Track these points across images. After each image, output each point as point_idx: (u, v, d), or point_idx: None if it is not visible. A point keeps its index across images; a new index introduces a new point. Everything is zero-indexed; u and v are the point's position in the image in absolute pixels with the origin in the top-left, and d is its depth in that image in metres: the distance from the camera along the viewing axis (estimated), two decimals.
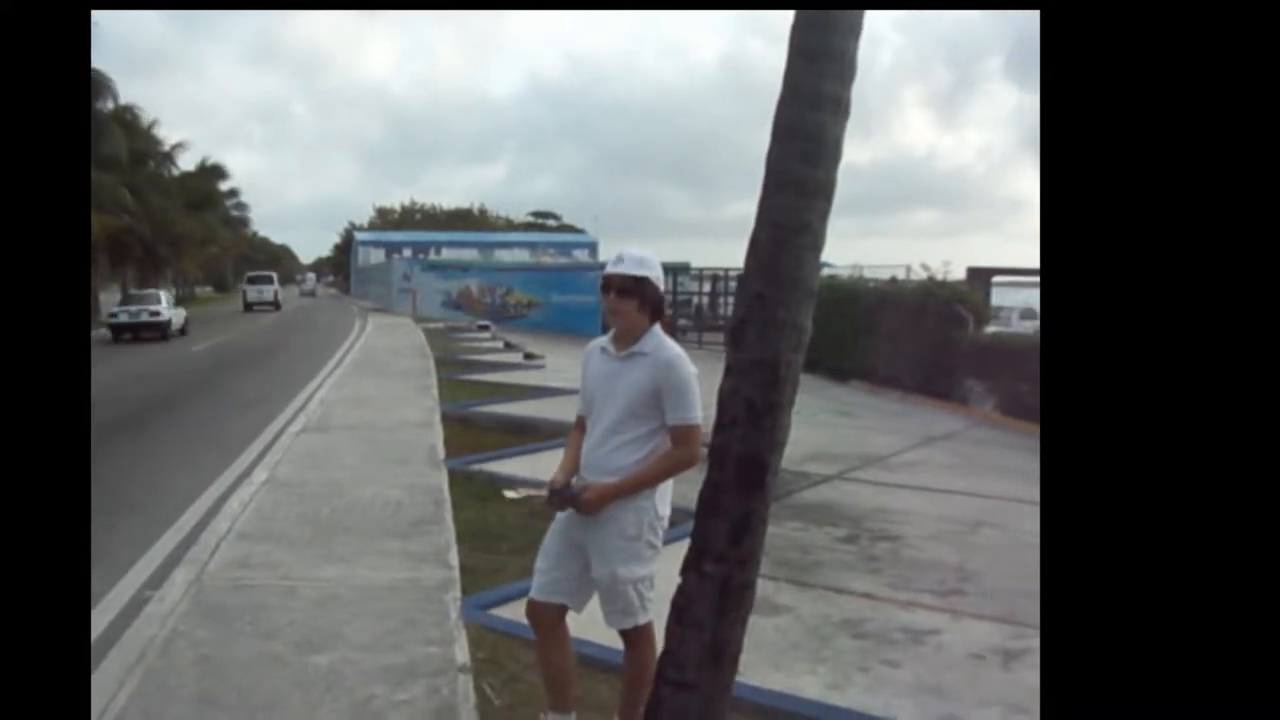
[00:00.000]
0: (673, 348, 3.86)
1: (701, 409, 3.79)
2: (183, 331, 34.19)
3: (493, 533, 7.42)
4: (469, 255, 59.96)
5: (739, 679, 3.70)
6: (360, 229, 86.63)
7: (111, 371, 20.80)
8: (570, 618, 4.02)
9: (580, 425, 4.06)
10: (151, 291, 36.66)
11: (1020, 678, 5.13)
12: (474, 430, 12.16)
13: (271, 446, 11.14)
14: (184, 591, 5.91)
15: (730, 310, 33.11)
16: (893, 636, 5.68)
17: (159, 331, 32.09)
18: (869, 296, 19.59)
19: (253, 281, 61.75)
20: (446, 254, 61.72)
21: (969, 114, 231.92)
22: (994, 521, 8.60)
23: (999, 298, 20.83)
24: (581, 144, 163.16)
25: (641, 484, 3.78)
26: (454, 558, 6.58)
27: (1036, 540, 8.09)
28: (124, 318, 32.13)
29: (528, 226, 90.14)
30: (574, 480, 3.90)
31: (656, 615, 3.81)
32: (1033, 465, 11.51)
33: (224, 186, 72.88)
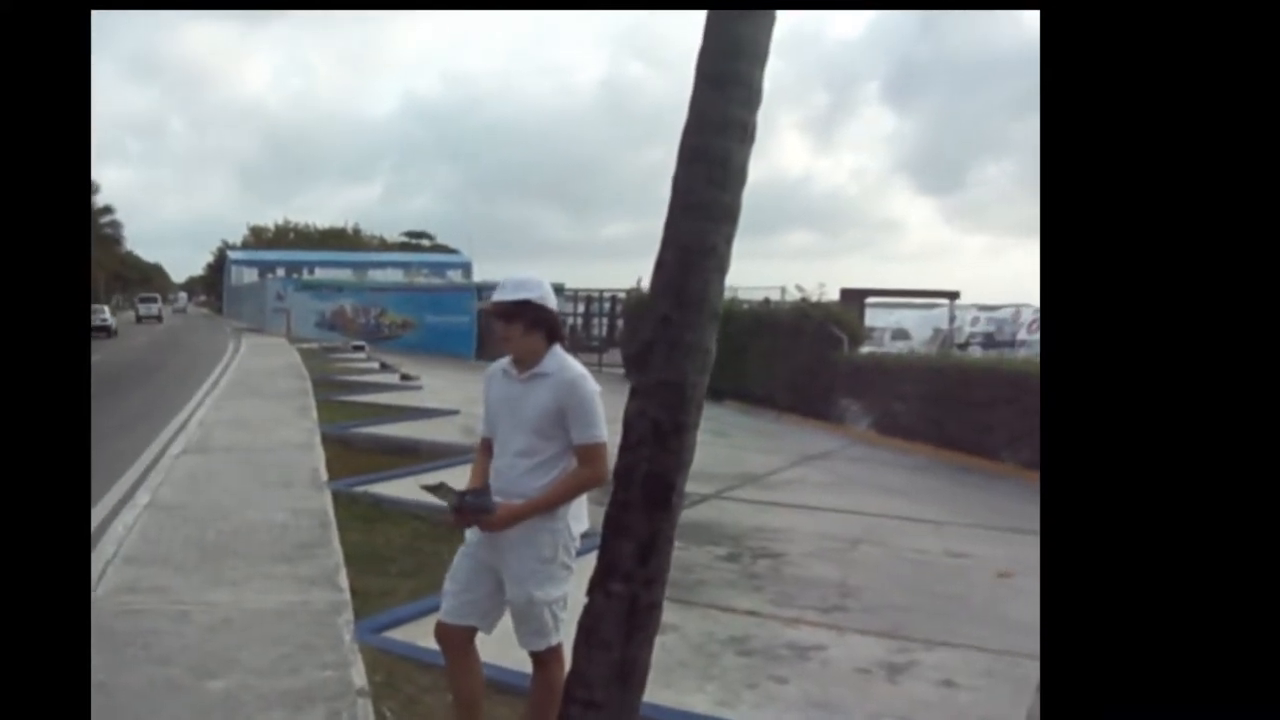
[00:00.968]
0: (575, 367, 3.86)
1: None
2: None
3: (380, 555, 7.32)
4: (343, 275, 59.39)
5: None
6: (234, 248, 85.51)
7: None
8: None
9: (486, 446, 4.04)
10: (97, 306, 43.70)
11: (906, 690, 5.27)
12: (354, 452, 12.02)
13: (153, 468, 10.80)
14: None
15: (604, 330, 33.39)
16: (778, 653, 5.76)
17: (106, 333, 41.28)
18: (744, 317, 19.79)
19: (143, 300, 78.31)
20: (320, 274, 61.04)
21: (845, 137, 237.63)
22: (873, 538, 8.81)
23: (872, 318, 21.37)
24: (458, 163, 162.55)
25: (550, 504, 3.76)
26: (343, 580, 6.49)
27: (915, 556, 8.31)
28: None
29: (401, 246, 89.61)
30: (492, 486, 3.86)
31: (565, 634, 3.80)
32: (908, 482, 11.95)
33: (98, 203, 71.31)
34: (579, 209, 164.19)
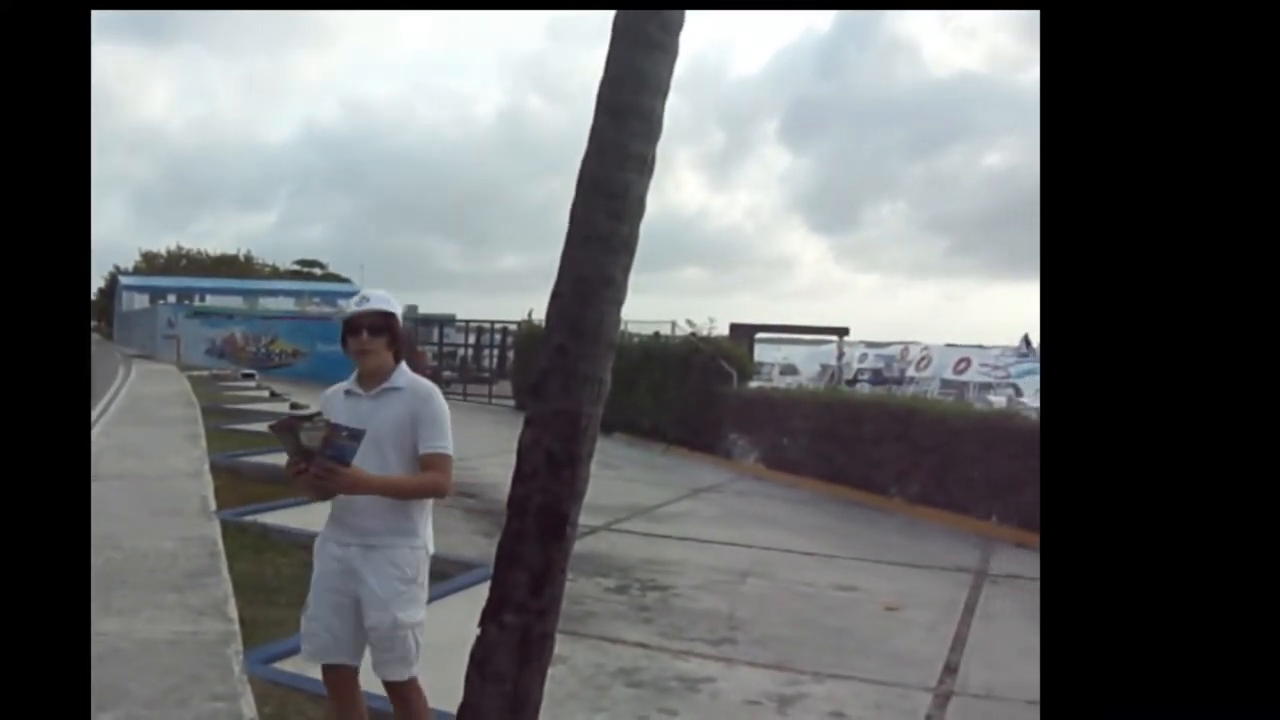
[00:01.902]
0: (426, 381, 3.92)
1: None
2: None
3: (269, 585, 7.18)
4: (234, 303, 58.49)
5: None
6: (126, 273, 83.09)
7: None
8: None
9: None
10: None
11: None
12: (243, 480, 11.76)
13: None
14: None
15: (494, 362, 33.27)
16: (668, 685, 5.77)
17: None
18: (633, 351, 19.82)
19: None
20: (212, 301, 59.88)
21: (741, 175, 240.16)
22: (761, 571, 8.88)
23: (761, 354, 21.60)
24: (354, 192, 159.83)
25: (399, 490, 3.73)
26: (233, 610, 6.38)
27: (804, 589, 8.37)
28: None
29: (293, 275, 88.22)
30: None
31: (457, 666, 3.69)
32: (796, 516, 12.08)
33: None
34: (473, 240, 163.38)
